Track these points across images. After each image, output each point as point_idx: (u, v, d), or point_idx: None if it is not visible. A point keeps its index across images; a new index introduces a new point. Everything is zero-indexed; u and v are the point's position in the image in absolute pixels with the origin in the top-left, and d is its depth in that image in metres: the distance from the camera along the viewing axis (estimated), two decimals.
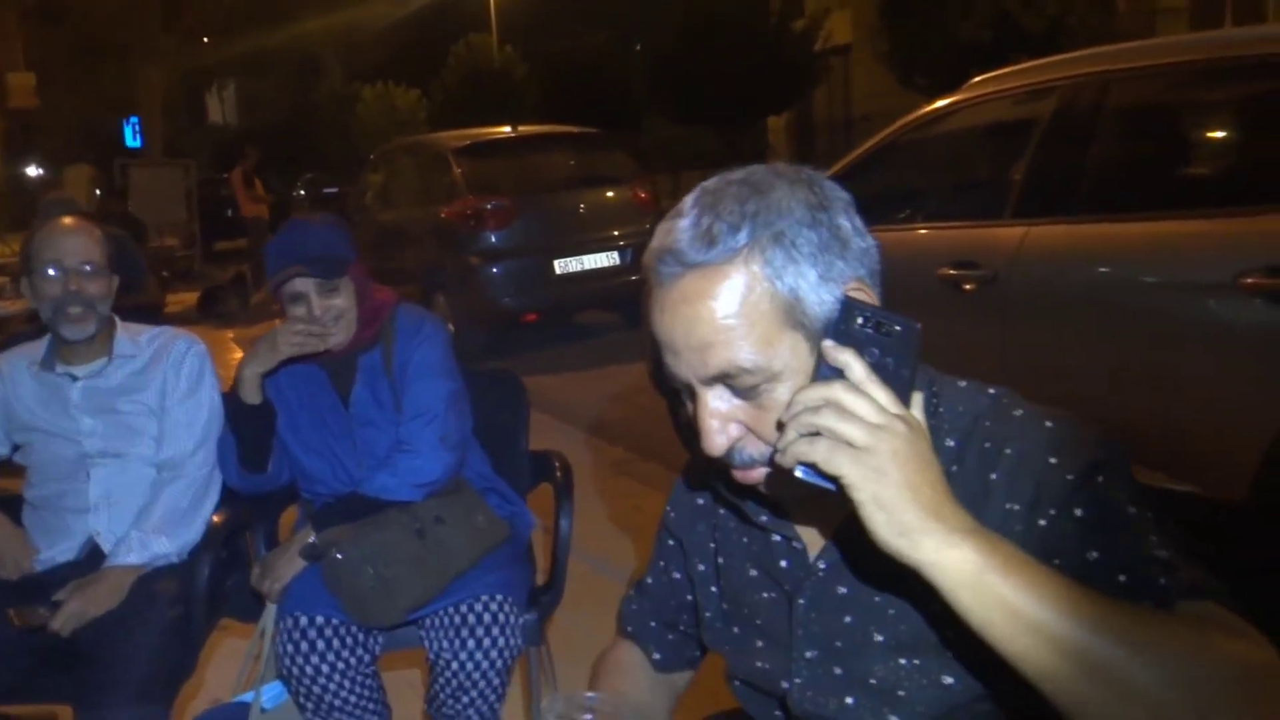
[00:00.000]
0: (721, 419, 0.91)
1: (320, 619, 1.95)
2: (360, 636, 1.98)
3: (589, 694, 0.99)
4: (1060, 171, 3.13)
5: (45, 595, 1.99)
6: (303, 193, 25.15)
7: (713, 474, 1.08)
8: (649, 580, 1.26)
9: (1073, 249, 3.02)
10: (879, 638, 0.96)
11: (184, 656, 1.98)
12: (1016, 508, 0.87)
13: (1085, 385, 2.94)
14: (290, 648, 1.93)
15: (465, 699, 1.94)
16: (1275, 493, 2.49)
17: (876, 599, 0.97)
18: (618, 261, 7.28)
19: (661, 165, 21.39)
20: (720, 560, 1.13)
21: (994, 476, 0.90)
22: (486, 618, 1.93)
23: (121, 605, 1.97)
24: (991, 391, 0.97)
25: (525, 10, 27.16)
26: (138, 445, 2.15)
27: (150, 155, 17.08)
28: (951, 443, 0.93)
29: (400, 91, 25.25)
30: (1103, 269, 2.93)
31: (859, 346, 0.82)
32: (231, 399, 2.06)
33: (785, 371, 0.89)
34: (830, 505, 0.99)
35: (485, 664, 1.92)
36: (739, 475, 0.95)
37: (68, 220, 2.22)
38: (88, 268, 2.11)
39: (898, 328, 0.83)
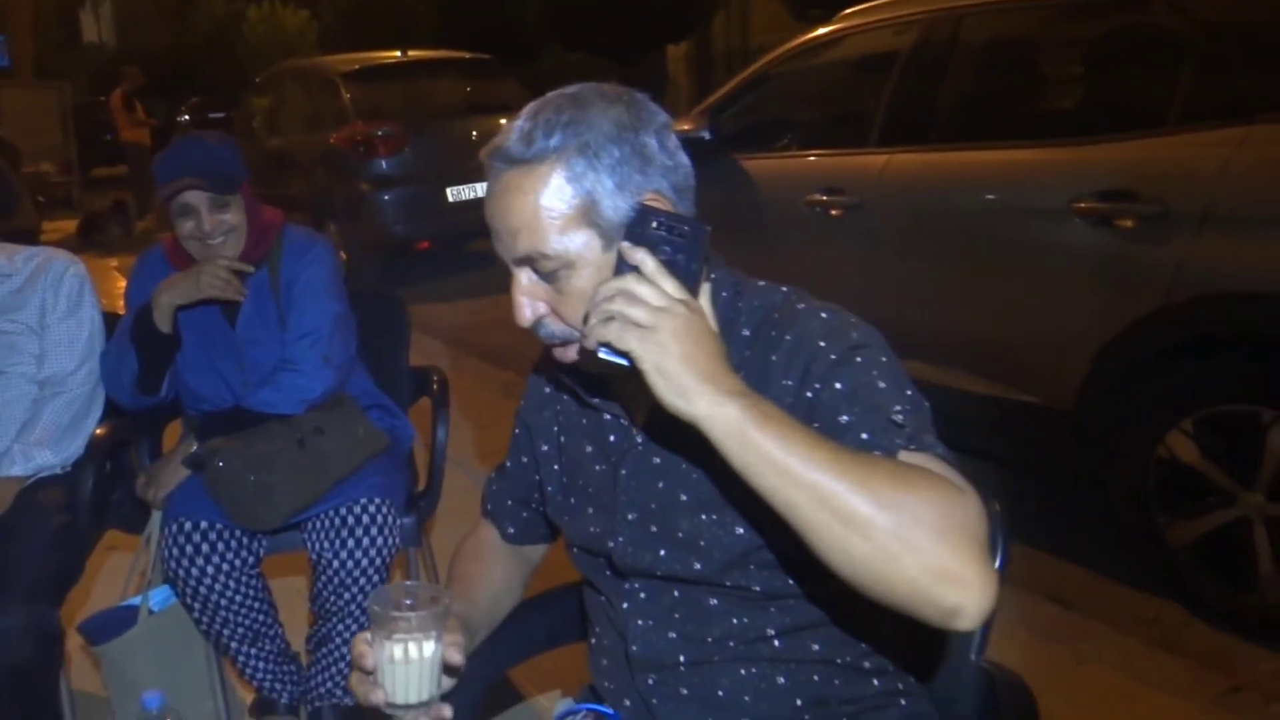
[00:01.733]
0: (528, 295, 1.07)
1: (204, 524, 2.05)
2: (244, 540, 2.09)
3: (409, 583, 1.11)
4: (918, 102, 3.32)
5: None
6: (187, 118, 24.12)
7: (557, 365, 1.22)
8: (507, 464, 1.41)
9: (928, 176, 3.23)
10: (684, 498, 1.12)
11: (71, 560, 2.06)
12: (790, 383, 1.04)
13: (938, 305, 3.17)
14: (175, 551, 2.03)
15: (346, 595, 2.06)
16: (1096, 402, 2.75)
17: (683, 465, 1.13)
18: None
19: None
20: (562, 439, 1.28)
21: (774, 358, 1.06)
22: (365, 519, 2.05)
23: (7, 513, 2.03)
24: (784, 290, 1.13)
25: None
26: (18, 363, 2.18)
27: (20, 76, 16.16)
28: (747, 331, 1.10)
29: (288, 12, 24.30)
30: (954, 195, 3.14)
31: (652, 246, 0.97)
32: (141, 324, 2.09)
33: (579, 263, 1.04)
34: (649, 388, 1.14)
35: (365, 562, 2.05)
36: (556, 353, 1.11)
37: None
38: None
39: (687, 228, 0.99)
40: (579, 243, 1.04)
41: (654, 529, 1.14)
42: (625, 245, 0.98)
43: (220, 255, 2.10)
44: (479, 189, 7.15)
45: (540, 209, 1.03)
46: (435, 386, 2.41)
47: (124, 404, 2.22)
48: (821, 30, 3.79)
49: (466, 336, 5.65)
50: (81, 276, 2.30)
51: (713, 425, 0.90)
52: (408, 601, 1.04)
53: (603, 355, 0.94)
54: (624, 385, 1.17)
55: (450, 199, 7.06)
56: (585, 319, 0.98)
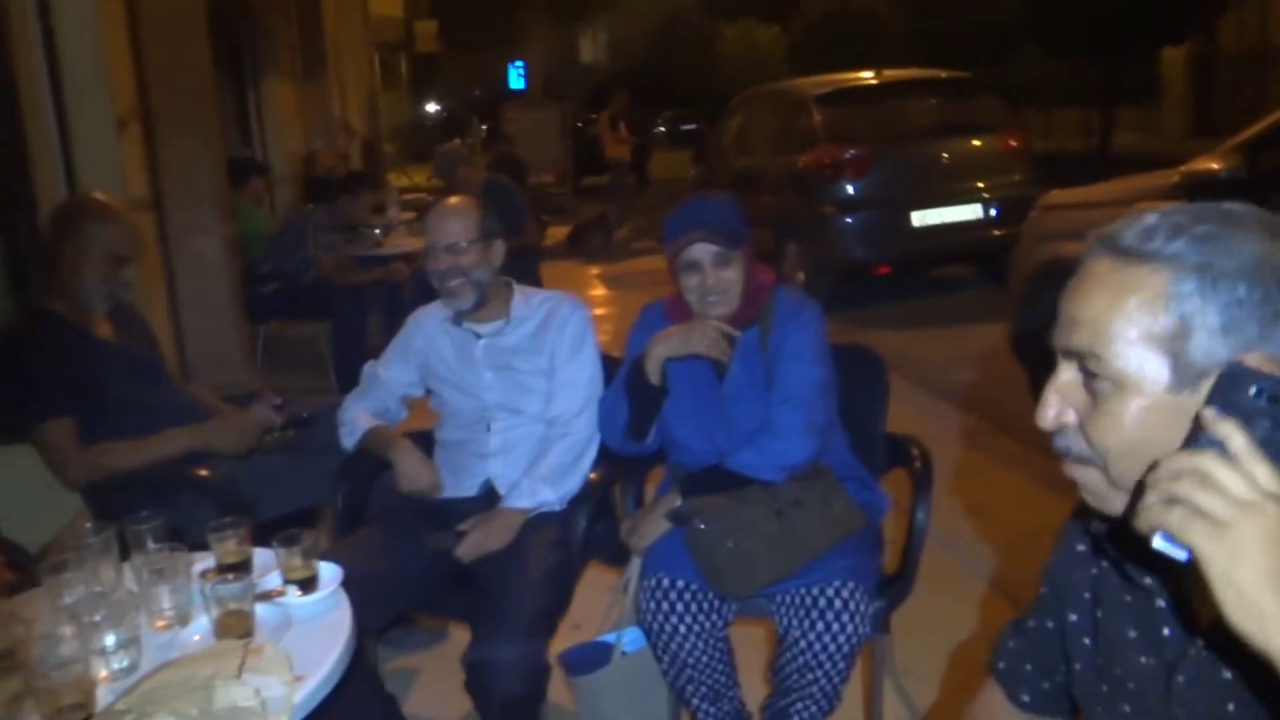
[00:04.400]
0: (1061, 395, 0.95)
1: (681, 582, 2.08)
2: (716, 603, 2.09)
3: None
4: None
5: (449, 525, 2.29)
6: (662, 129, 25.97)
7: (1099, 527, 1.03)
8: (1030, 623, 1.23)
9: None
10: None
11: (562, 596, 2.20)
12: None
13: None
14: (652, 605, 2.08)
15: (810, 676, 2.00)
16: None
17: (1262, 690, 0.88)
18: (980, 215, 6.92)
19: (1033, 102, 19.87)
20: (1098, 614, 1.08)
21: None
22: (837, 603, 1.97)
23: (512, 544, 2.22)
24: None
25: None
26: (530, 402, 2.38)
27: (531, 96, 18.46)
28: None
29: (760, 28, 25.25)
30: None
31: (1247, 418, 0.76)
32: (635, 373, 2.20)
33: (1134, 389, 0.89)
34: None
35: (832, 647, 1.97)
36: (1066, 467, 0.97)
37: (451, 201, 2.46)
38: (462, 244, 2.35)
39: None
40: (1145, 367, 0.88)
41: None
42: (1209, 412, 0.77)
43: (712, 314, 2.14)
44: (946, 214, 6.92)
45: (1120, 309, 0.90)
46: (918, 463, 2.26)
47: (614, 448, 2.33)
48: None
49: (924, 372, 5.40)
50: (584, 320, 2.46)
51: None
52: None
53: (1157, 544, 0.76)
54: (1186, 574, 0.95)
55: (915, 223, 6.83)
56: (1138, 489, 0.80)
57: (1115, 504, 0.93)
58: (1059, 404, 0.95)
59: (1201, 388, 0.85)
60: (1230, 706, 0.92)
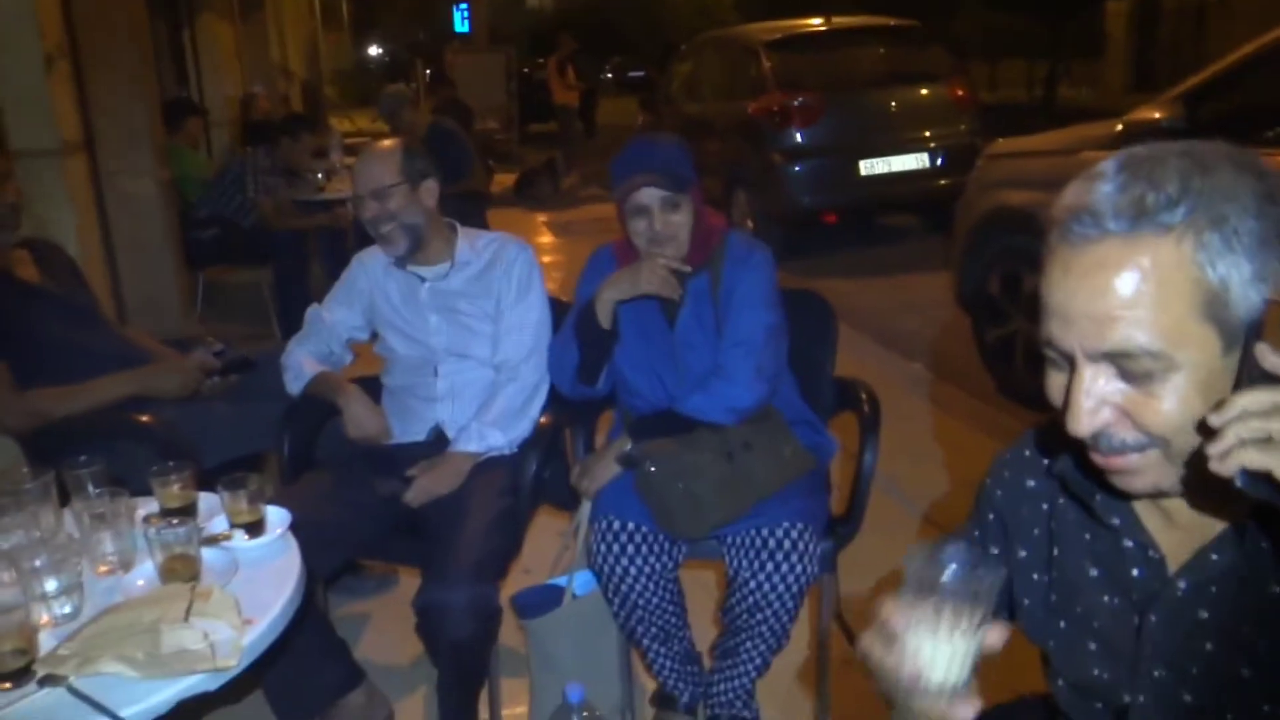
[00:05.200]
0: (1097, 400, 0.87)
1: (631, 525, 2.09)
2: (666, 545, 2.11)
3: (951, 546, 0.87)
4: None
5: (398, 470, 2.27)
6: (609, 75, 25.66)
7: (1058, 463, 1.03)
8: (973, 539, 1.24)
9: None
10: (1245, 673, 0.90)
11: (512, 540, 2.20)
12: None
13: None
14: (603, 548, 2.09)
15: (759, 616, 2.03)
16: None
17: (1246, 630, 0.90)
18: (927, 164, 6.96)
19: (978, 54, 19.94)
20: (1054, 551, 1.08)
21: None
22: (786, 544, 2.00)
23: (461, 488, 2.21)
24: None
25: None
26: (477, 346, 2.36)
27: (476, 40, 18.08)
28: None
29: None
30: None
31: None
32: (584, 317, 2.18)
33: (1188, 365, 0.83)
34: (1195, 521, 0.93)
35: (781, 586, 2.00)
36: (1102, 460, 0.90)
37: (378, 145, 2.39)
38: (388, 188, 2.29)
39: None
40: (1197, 340, 0.83)
41: (1188, 698, 0.94)
42: (1264, 347, 0.76)
43: (661, 254, 2.12)
44: (893, 162, 6.96)
45: (1154, 293, 0.82)
46: (865, 407, 2.29)
47: (564, 392, 2.32)
48: None
49: (870, 319, 5.45)
50: (530, 262, 2.43)
51: None
52: (953, 566, 0.87)
53: (1243, 485, 0.73)
54: (1161, 511, 0.96)
55: (863, 172, 6.86)
56: (1202, 427, 0.78)
57: (1173, 478, 0.88)
58: (1095, 409, 0.87)
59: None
60: (1208, 645, 0.92)
